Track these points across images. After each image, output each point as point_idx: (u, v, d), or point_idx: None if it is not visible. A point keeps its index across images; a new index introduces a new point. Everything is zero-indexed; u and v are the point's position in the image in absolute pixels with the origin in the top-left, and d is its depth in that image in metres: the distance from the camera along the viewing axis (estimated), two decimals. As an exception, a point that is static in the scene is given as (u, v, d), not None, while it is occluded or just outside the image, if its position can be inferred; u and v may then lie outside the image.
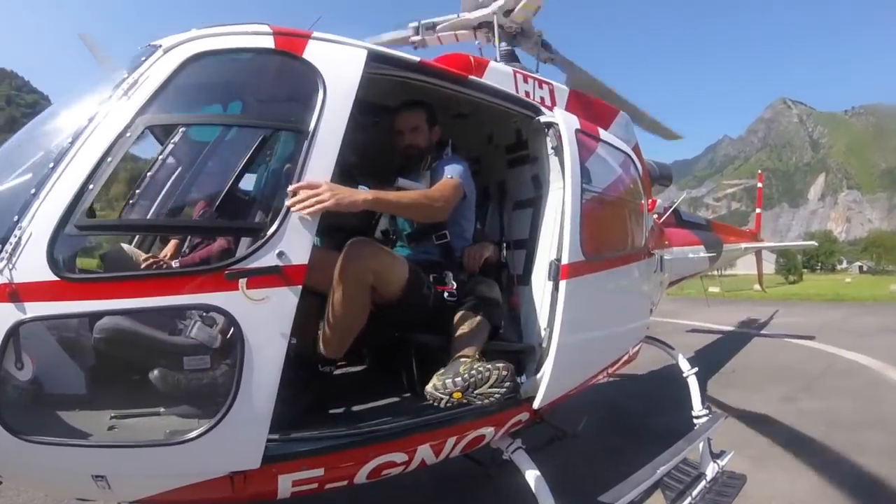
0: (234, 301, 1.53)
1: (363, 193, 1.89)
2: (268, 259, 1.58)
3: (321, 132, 1.72)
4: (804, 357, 7.46)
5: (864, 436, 4.10)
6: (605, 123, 3.26)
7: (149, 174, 2.47)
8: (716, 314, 12.04)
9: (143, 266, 2.20)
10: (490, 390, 1.99)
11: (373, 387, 2.45)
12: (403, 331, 2.32)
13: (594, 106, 3.33)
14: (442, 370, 2.04)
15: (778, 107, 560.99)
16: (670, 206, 6.05)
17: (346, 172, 2.88)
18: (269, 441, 1.62)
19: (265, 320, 1.57)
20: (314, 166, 1.71)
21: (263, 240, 1.60)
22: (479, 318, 2.19)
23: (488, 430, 2.27)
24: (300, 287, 1.63)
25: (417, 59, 2.17)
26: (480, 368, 1.99)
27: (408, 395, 2.33)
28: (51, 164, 1.49)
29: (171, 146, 2.38)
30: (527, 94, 2.77)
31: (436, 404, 1.98)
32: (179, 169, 2.65)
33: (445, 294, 2.29)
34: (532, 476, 2.23)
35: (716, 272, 8.69)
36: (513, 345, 2.52)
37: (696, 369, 3.81)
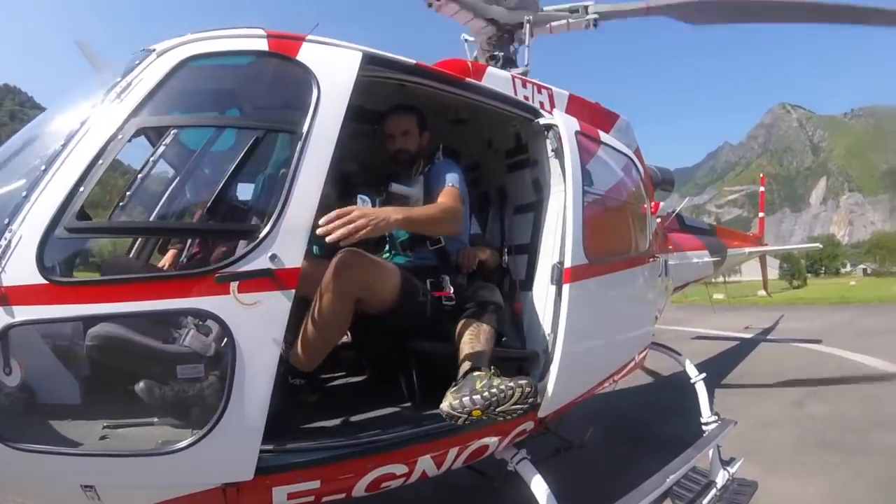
0: (224, 305, 1.49)
1: (394, 213, 1.87)
2: (260, 262, 1.54)
3: (315, 134, 1.70)
4: (812, 361, 7.38)
5: (874, 439, 4.03)
6: (605, 128, 3.23)
7: (140, 177, 2.45)
8: (721, 321, 11.91)
9: None
10: (514, 407, 1.80)
11: (372, 396, 2.39)
12: (402, 339, 2.25)
13: (594, 110, 3.30)
14: (455, 386, 1.85)
15: (777, 112, 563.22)
16: (673, 212, 6.03)
17: (345, 181, 2.85)
18: (262, 452, 1.57)
19: (257, 326, 1.53)
20: (308, 168, 1.67)
21: (255, 242, 1.56)
22: (484, 325, 2.08)
23: (492, 441, 2.21)
24: (293, 291, 1.59)
25: (414, 61, 2.14)
26: (503, 387, 1.78)
27: (408, 404, 2.26)
28: (42, 167, 1.47)
29: (163, 148, 2.37)
30: (526, 98, 2.74)
31: (453, 423, 1.82)
32: (172, 172, 2.62)
33: (443, 299, 2.23)
34: (538, 487, 2.17)
35: (721, 278, 8.60)
36: (516, 351, 2.46)
37: (703, 375, 3.76)
